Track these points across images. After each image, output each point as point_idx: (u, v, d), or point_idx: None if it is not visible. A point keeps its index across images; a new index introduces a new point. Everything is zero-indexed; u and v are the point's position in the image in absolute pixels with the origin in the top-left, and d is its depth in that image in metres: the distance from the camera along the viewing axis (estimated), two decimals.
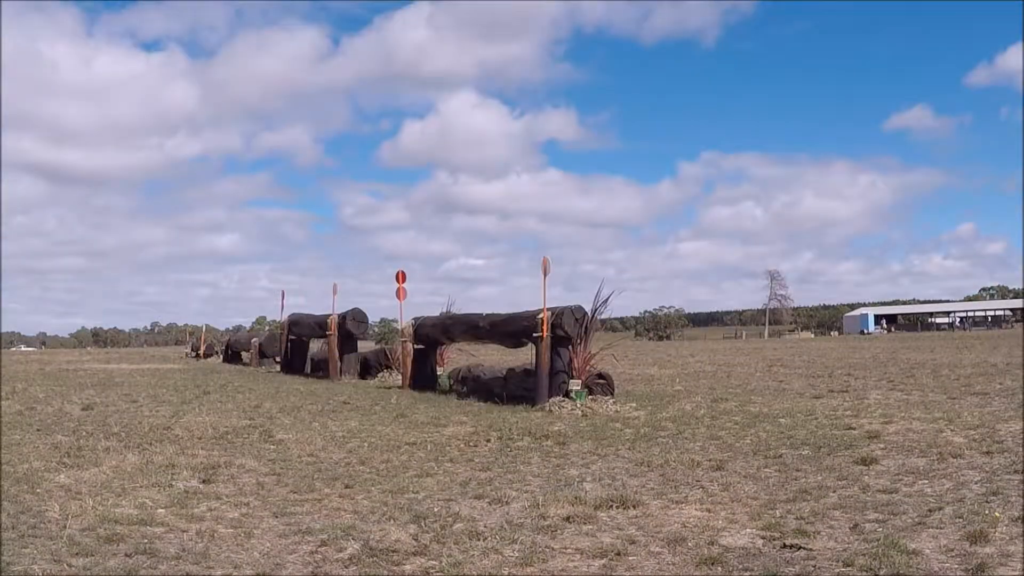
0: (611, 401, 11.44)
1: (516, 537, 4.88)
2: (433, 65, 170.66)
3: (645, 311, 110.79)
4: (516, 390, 12.73)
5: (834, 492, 5.98)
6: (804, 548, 4.61)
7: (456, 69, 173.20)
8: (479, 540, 4.83)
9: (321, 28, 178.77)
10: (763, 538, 4.84)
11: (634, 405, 11.29)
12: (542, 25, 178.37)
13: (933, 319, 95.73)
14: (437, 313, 16.62)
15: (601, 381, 12.07)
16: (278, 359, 24.67)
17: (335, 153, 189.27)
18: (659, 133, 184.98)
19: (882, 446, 7.79)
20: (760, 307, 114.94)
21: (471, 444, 8.50)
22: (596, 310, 12.18)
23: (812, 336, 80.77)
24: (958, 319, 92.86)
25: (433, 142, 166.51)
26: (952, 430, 8.52)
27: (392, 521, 5.32)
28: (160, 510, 5.60)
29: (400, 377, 16.26)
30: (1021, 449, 7.29)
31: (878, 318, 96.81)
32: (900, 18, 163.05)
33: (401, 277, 17.47)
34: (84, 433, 9.32)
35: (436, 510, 5.58)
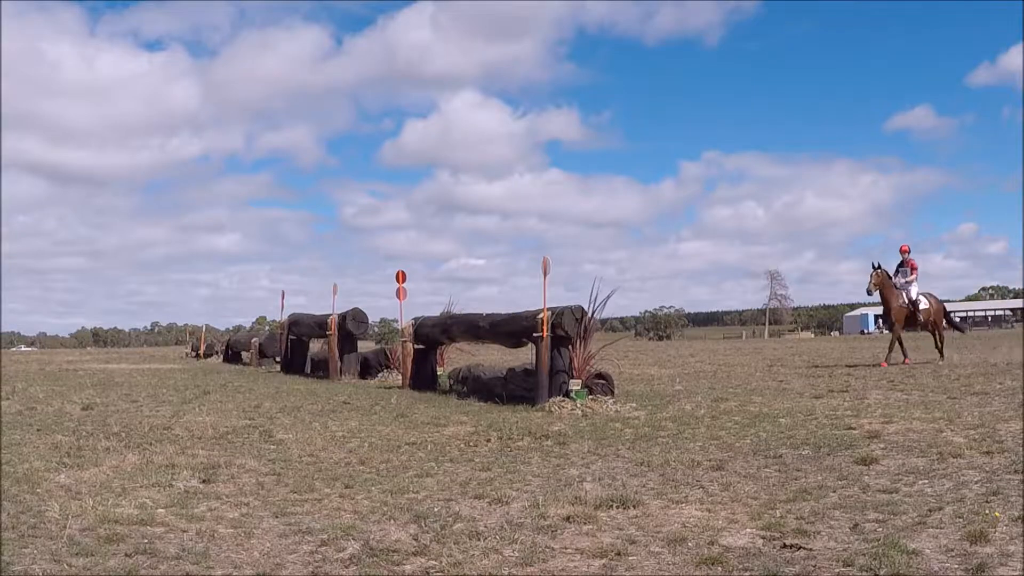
0: (611, 401, 11.44)
1: (516, 537, 4.88)
2: (436, 65, 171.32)
3: (645, 311, 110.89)
4: (516, 390, 12.72)
5: (834, 492, 5.98)
6: (804, 548, 4.61)
7: (459, 69, 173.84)
8: (479, 540, 4.83)
9: (324, 28, 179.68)
10: (763, 538, 4.84)
11: (634, 405, 11.29)
12: (545, 25, 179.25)
13: None
14: (437, 313, 16.63)
15: (601, 381, 12.06)
16: (278, 359, 24.66)
17: (337, 153, 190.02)
18: (661, 133, 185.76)
19: (882, 446, 7.78)
20: (760, 307, 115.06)
21: (471, 444, 8.50)
22: (594, 308, 12.18)
23: (812, 336, 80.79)
24: (958, 319, 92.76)
25: (435, 142, 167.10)
26: (952, 430, 8.51)
27: (392, 521, 5.32)
28: (160, 510, 5.60)
29: (400, 377, 16.25)
30: (1021, 449, 7.28)
31: (878, 318, 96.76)
32: (901, 18, 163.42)
33: (401, 277, 17.47)
34: (84, 433, 9.31)
35: (436, 510, 5.58)
